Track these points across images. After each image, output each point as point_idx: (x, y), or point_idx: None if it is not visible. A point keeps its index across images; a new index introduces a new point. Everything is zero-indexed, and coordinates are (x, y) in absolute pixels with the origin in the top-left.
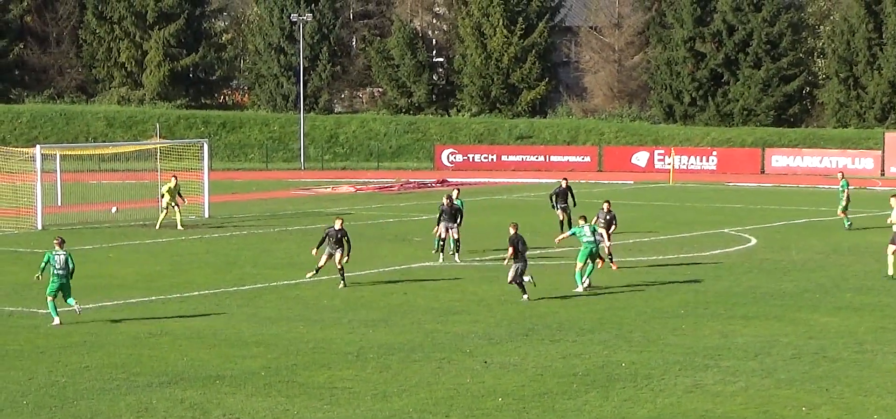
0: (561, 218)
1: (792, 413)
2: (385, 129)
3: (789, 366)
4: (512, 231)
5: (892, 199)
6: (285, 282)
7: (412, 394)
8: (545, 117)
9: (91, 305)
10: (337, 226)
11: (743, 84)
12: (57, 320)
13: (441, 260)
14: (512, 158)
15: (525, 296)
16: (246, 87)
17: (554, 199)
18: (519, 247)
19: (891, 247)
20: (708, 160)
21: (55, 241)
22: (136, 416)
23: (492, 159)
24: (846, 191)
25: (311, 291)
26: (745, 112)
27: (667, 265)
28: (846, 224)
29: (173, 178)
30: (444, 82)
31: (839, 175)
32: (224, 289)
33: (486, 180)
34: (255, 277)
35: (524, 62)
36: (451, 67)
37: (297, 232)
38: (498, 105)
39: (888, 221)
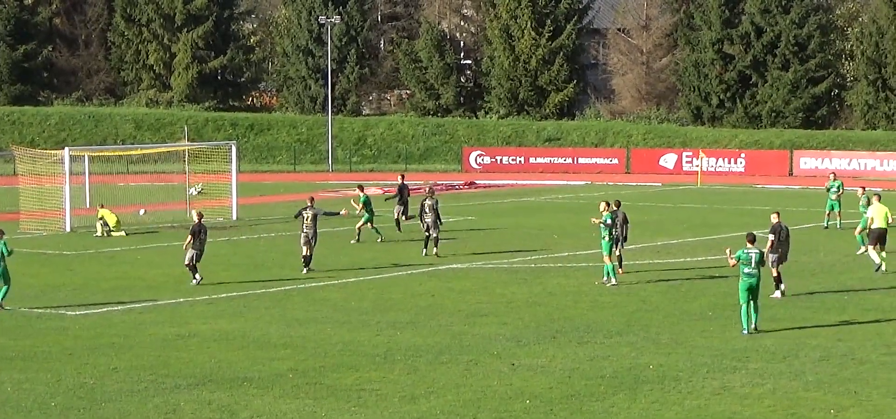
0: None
1: (820, 415)
2: (413, 132)
3: (817, 368)
4: (774, 219)
5: (873, 198)
6: (313, 284)
7: (440, 397)
8: (573, 119)
9: (118, 307)
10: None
11: (771, 86)
12: None
13: (424, 254)
14: (540, 161)
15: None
16: (274, 90)
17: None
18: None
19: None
20: (736, 162)
21: None
22: (163, 418)
23: (520, 161)
24: (838, 193)
25: (338, 293)
26: (774, 114)
27: (695, 267)
28: (832, 224)
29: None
30: (471, 84)
31: (831, 176)
32: (252, 291)
33: (514, 182)
34: (283, 279)
35: (552, 64)
36: (479, 69)
37: (324, 233)
38: (526, 107)
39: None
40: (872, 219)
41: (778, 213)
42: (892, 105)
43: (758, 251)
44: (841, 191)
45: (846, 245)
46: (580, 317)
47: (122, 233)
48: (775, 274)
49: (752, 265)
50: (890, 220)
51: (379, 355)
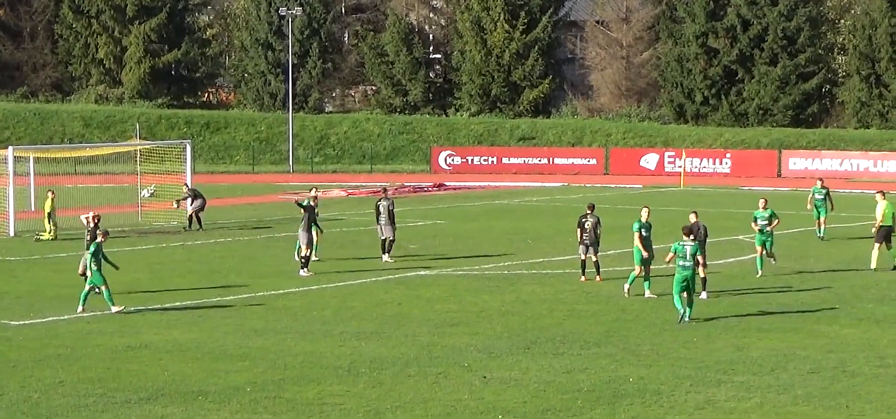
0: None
1: None
2: (379, 130)
3: (807, 381)
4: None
5: (878, 195)
6: (272, 293)
7: (407, 411)
8: (548, 117)
9: (65, 316)
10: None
11: (758, 82)
12: None
13: (384, 260)
14: (513, 161)
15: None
16: (231, 86)
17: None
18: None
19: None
20: (721, 162)
21: None
22: None
23: (492, 162)
24: (822, 197)
25: (299, 302)
26: (761, 111)
27: None
28: (821, 233)
29: (50, 195)
30: (441, 80)
31: (818, 182)
32: (207, 300)
33: (486, 184)
34: (241, 287)
35: (526, 59)
36: (448, 64)
37: (285, 238)
38: (498, 104)
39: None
40: (884, 216)
41: (696, 213)
42: (886, 102)
43: (693, 244)
44: (828, 199)
45: (837, 251)
46: (556, 326)
47: (48, 234)
48: (702, 275)
49: (687, 257)
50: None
51: (342, 368)
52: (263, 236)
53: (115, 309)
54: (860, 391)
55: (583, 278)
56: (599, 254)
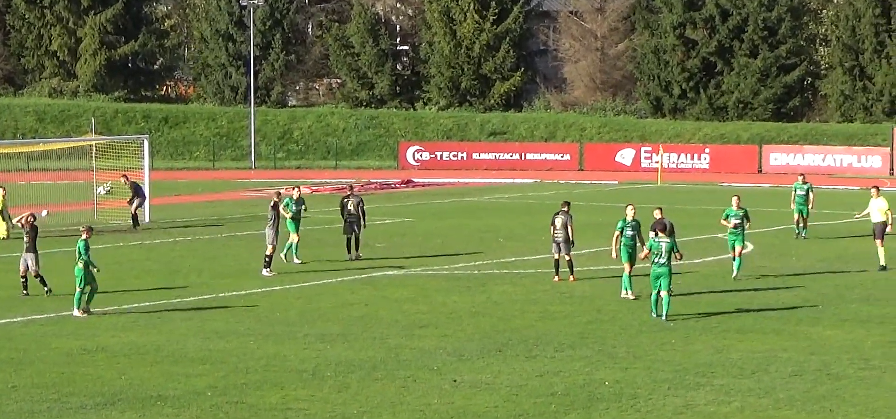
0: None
1: None
2: (344, 125)
3: (789, 384)
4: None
5: (873, 191)
6: (234, 293)
7: (374, 417)
8: (520, 111)
9: (19, 318)
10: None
11: (738, 74)
12: None
13: (350, 258)
14: (484, 157)
15: None
16: (191, 79)
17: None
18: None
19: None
20: (700, 158)
21: None
22: None
23: (462, 157)
24: (806, 197)
25: (262, 303)
26: (741, 105)
27: None
28: (802, 233)
29: (1, 192)
30: (409, 73)
31: (799, 178)
32: (166, 301)
33: (456, 180)
34: (201, 287)
35: (497, 51)
36: (416, 56)
37: (247, 237)
38: (468, 98)
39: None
40: (883, 212)
41: (661, 209)
42: (870, 95)
43: (668, 240)
44: (810, 195)
45: (820, 249)
46: (528, 328)
47: (1, 233)
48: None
49: (663, 254)
50: (890, 217)
51: (307, 371)
52: (224, 235)
53: (77, 312)
54: (844, 394)
55: (556, 278)
56: (573, 253)
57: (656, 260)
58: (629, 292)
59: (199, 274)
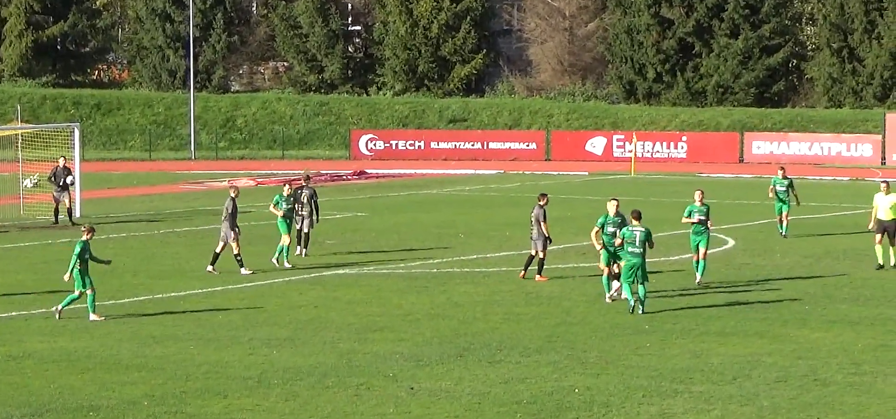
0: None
1: None
2: (292, 112)
3: (773, 391)
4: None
5: (882, 185)
6: (173, 294)
7: None
8: (482, 96)
9: None
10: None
11: (717, 56)
12: None
13: (301, 253)
14: (443, 145)
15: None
16: (125, 62)
17: None
18: None
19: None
20: (676, 147)
21: None
22: None
23: (419, 146)
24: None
25: (203, 305)
26: (721, 90)
27: None
28: (783, 231)
29: None
30: (361, 55)
31: (780, 171)
32: (99, 303)
33: (413, 171)
34: (137, 289)
35: (457, 31)
36: (369, 38)
37: (186, 234)
38: (426, 82)
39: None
40: (876, 208)
41: (617, 203)
42: (860, 79)
43: (643, 229)
44: (791, 192)
45: (807, 246)
46: (491, 331)
47: None
48: (616, 269)
49: (637, 244)
50: None
51: (252, 378)
52: (162, 231)
53: (94, 317)
54: (833, 402)
55: (522, 274)
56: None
57: (630, 249)
58: (609, 294)
59: (134, 274)
